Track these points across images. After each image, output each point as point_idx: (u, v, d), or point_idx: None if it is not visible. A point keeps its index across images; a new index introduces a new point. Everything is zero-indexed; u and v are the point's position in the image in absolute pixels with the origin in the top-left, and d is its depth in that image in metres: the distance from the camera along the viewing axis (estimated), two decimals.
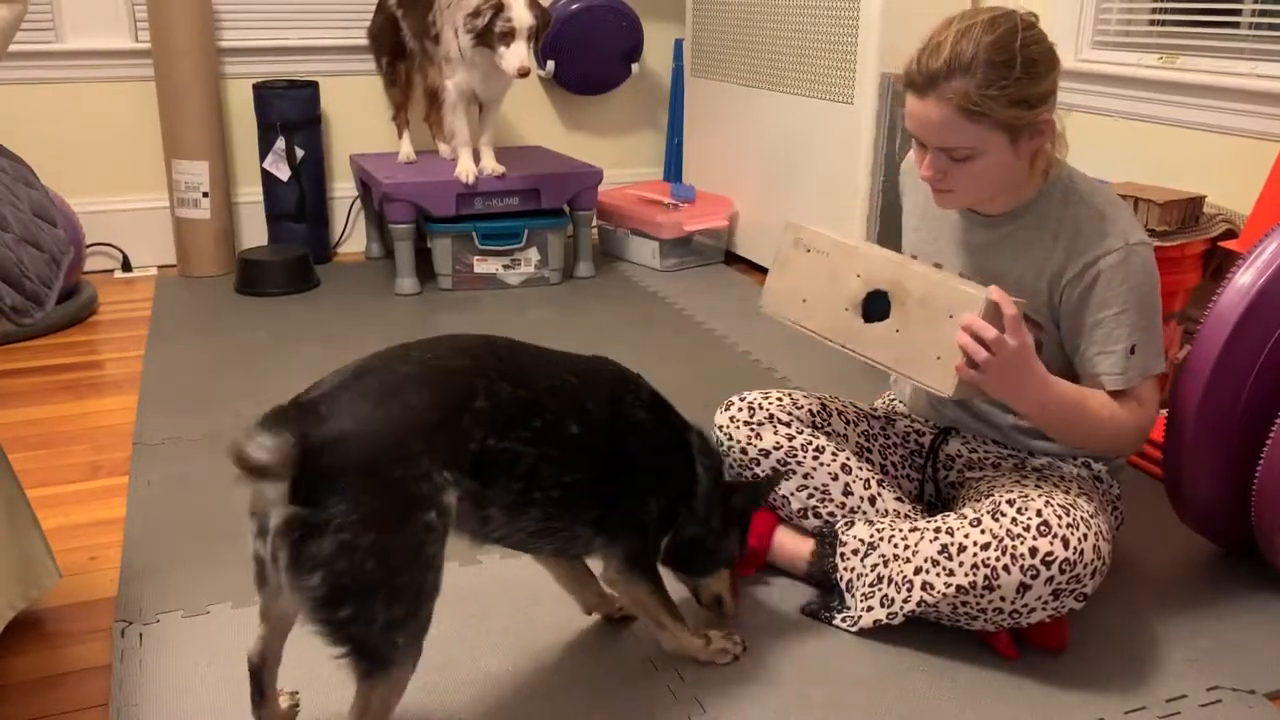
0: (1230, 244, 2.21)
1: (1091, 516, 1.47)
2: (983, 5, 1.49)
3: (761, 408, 1.73)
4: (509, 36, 3.02)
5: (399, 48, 3.49)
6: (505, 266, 3.41)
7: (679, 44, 4.01)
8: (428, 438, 1.17)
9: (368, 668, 1.17)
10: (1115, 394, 1.51)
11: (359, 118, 3.75)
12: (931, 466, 1.79)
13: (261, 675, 1.33)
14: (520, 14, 3.02)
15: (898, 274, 1.51)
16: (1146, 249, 1.50)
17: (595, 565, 1.52)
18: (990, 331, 1.38)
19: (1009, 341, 1.38)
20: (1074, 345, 1.55)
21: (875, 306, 1.55)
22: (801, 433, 1.71)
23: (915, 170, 1.56)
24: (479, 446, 1.22)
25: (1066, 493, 1.51)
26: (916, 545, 1.54)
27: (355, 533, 1.10)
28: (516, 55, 3.03)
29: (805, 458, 1.69)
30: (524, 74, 3.06)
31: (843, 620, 1.62)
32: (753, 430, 1.71)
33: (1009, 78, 1.39)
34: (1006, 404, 1.49)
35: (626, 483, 1.41)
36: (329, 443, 1.12)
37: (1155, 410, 1.55)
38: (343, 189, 3.80)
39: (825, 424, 1.76)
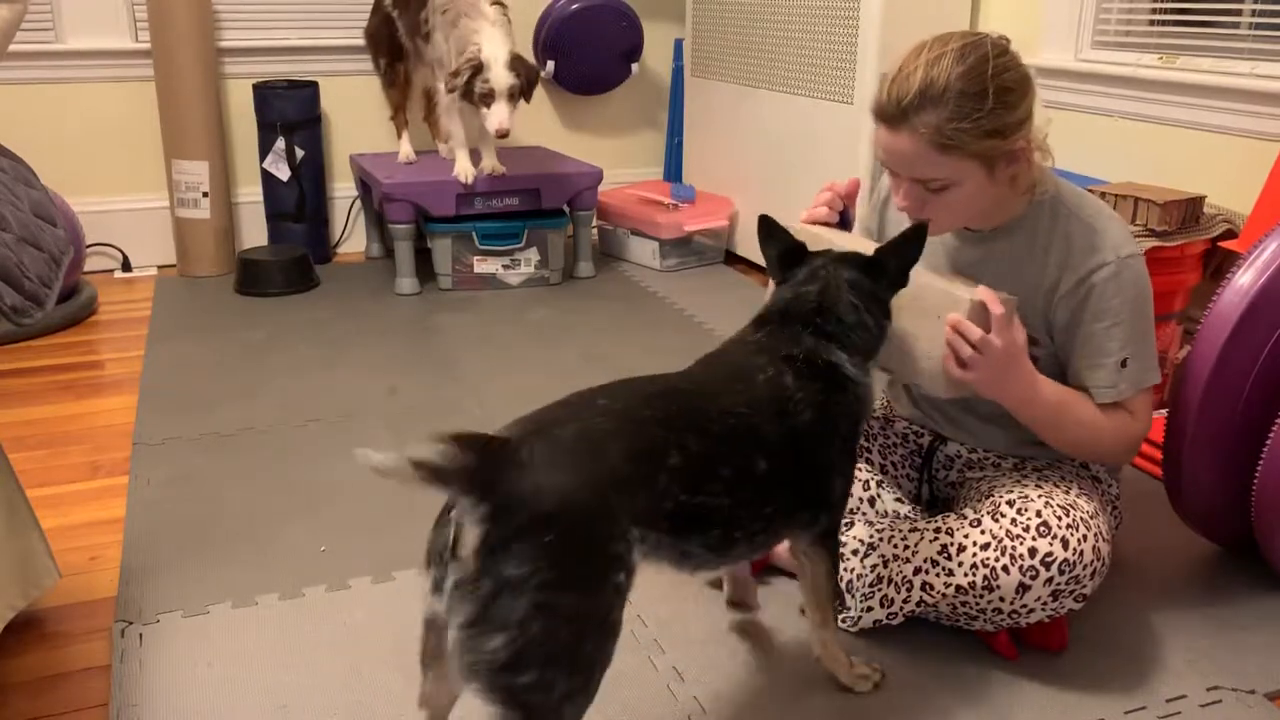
0: (1230, 244, 2.21)
1: (1091, 517, 1.47)
2: (957, 30, 1.45)
3: None
4: (489, 97, 3.02)
5: (396, 48, 3.49)
6: (505, 266, 3.41)
7: (679, 44, 4.01)
8: (628, 494, 1.10)
9: None
10: (1106, 406, 1.51)
11: (359, 118, 3.75)
12: (929, 469, 1.79)
13: None
14: (499, 75, 3.00)
15: None
16: (1138, 261, 1.49)
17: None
18: (975, 332, 1.39)
19: (994, 341, 1.39)
20: (1066, 357, 1.55)
21: None
22: None
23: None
24: (673, 504, 1.16)
25: (1066, 493, 1.51)
26: (916, 545, 1.55)
27: (555, 593, 1.02)
28: (496, 117, 3.03)
29: None
30: (503, 135, 3.05)
31: (842, 620, 1.62)
32: None
33: (982, 109, 1.37)
34: (995, 399, 1.49)
35: (816, 480, 1.36)
36: (532, 493, 1.03)
37: (1147, 423, 1.54)
38: (343, 189, 3.80)
39: None
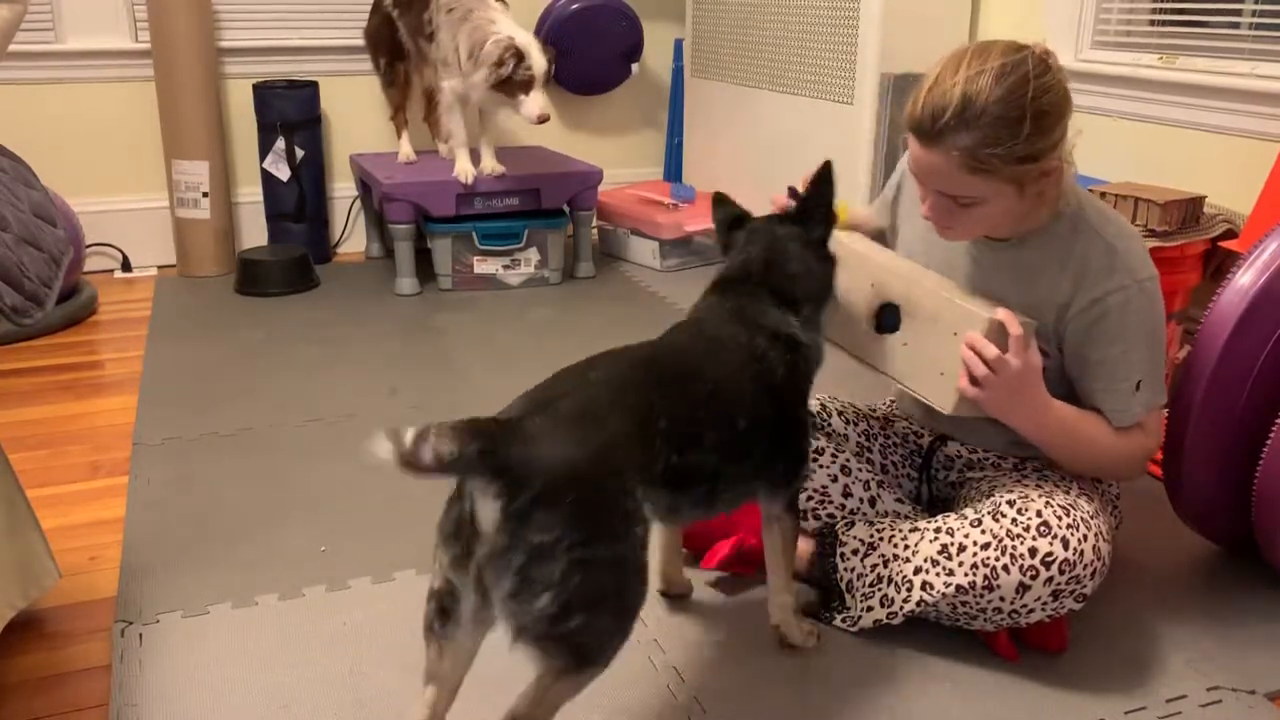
0: (1230, 244, 2.21)
1: (1092, 517, 1.47)
2: (998, 42, 1.40)
3: None
4: (529, 84, 3.03)
5: (396, 48, 3.49)
6: (505, 266, 3.41)
7: (679, 44, 4.01)
8: (628, 456, 1.18)
9: (570, 665, 1.14)
10: (1121, 427, 1.51)
11: (359, 118, 3.75)
12: (929, 469, 1.79)
13: None
14: (538, 60, 3.03)
15: (909, 289, 1.52)
16: (1153, 284, 1.48)
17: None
18: (991, 350, 1.39)
19: (1011, 361, 1.39)
20: (1076, 375, 1.55)
21: (888, 319, 1.56)
22: None
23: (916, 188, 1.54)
24: (664, 464, 1.24)
25: (1067, 493, 1.51)
26: (916, 545, 1.54)
27: (587, 548, 1.09)
28: (536, 103, 3.05)
29: None
30: (544, 120, 3.07)
31: (843, 620, 1.62)
32: None
33: (1018, 136, 1.33)
34: (1004, 422, 1.49)
35: (790, 428, 1.46)
36: (544, 462, 1.10)
37: (1159, 437, 1.56)
38: (343, 189, 3.80)
39: (825, 424, 1.76)
